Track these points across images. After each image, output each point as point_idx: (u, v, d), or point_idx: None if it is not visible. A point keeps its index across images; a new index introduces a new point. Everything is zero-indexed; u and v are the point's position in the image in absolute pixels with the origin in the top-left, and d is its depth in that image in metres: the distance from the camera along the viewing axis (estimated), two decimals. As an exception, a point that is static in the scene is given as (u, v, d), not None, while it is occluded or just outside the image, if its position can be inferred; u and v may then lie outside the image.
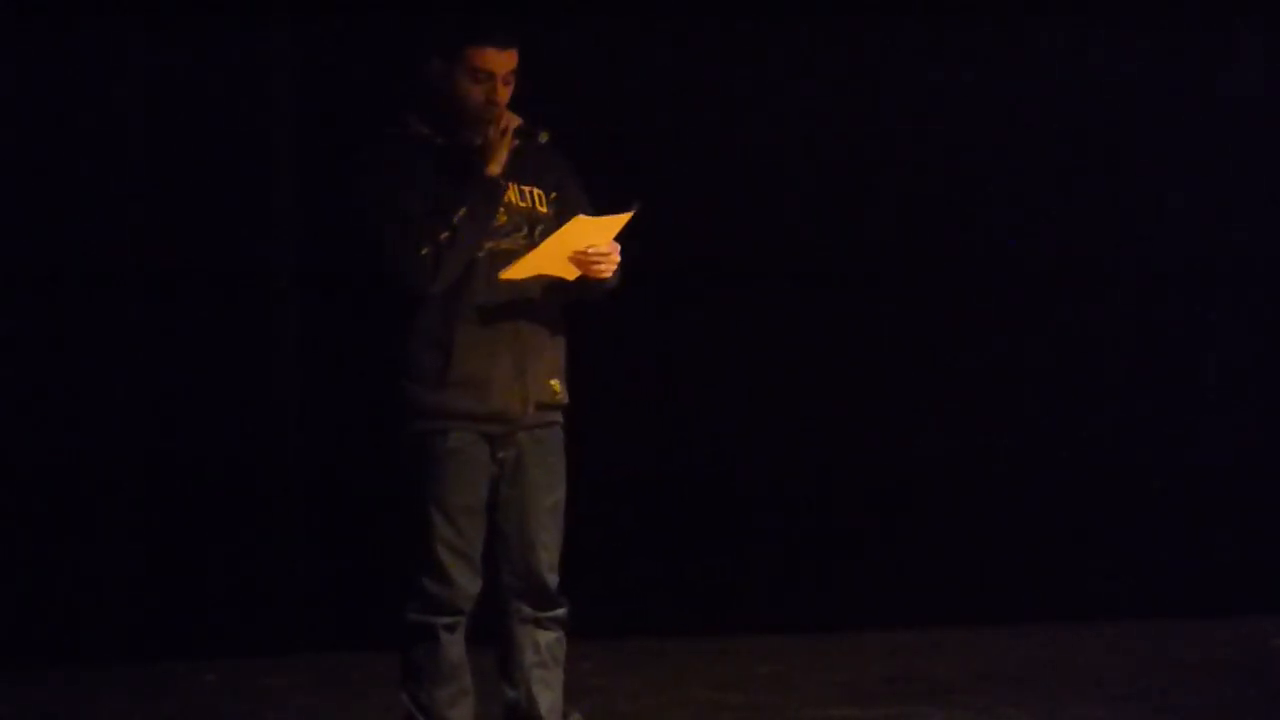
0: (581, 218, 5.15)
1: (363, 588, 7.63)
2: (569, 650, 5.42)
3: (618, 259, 5.20)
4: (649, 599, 7.74)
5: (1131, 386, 8.23)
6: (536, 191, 5.28)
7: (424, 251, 5.07)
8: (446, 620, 5.24)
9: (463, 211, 5.09)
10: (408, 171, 5.16)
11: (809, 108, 7.97)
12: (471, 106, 5.17)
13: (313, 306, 7.66)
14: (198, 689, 7.19)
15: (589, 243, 5.14)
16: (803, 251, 7.90)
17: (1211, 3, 8.14)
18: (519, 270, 5.13)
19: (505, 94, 5.19)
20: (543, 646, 5.35)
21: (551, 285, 5.25)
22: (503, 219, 5.21)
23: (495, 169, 5.14)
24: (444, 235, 5.07)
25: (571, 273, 5.19)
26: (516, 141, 5.17)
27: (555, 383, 5.30)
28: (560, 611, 5.38)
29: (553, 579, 5.36)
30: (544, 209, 5.28)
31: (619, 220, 5.15)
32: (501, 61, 5.17)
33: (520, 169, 5.23)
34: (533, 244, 5.20)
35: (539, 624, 5.35)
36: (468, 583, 5.24)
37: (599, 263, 5.17)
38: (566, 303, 5.31)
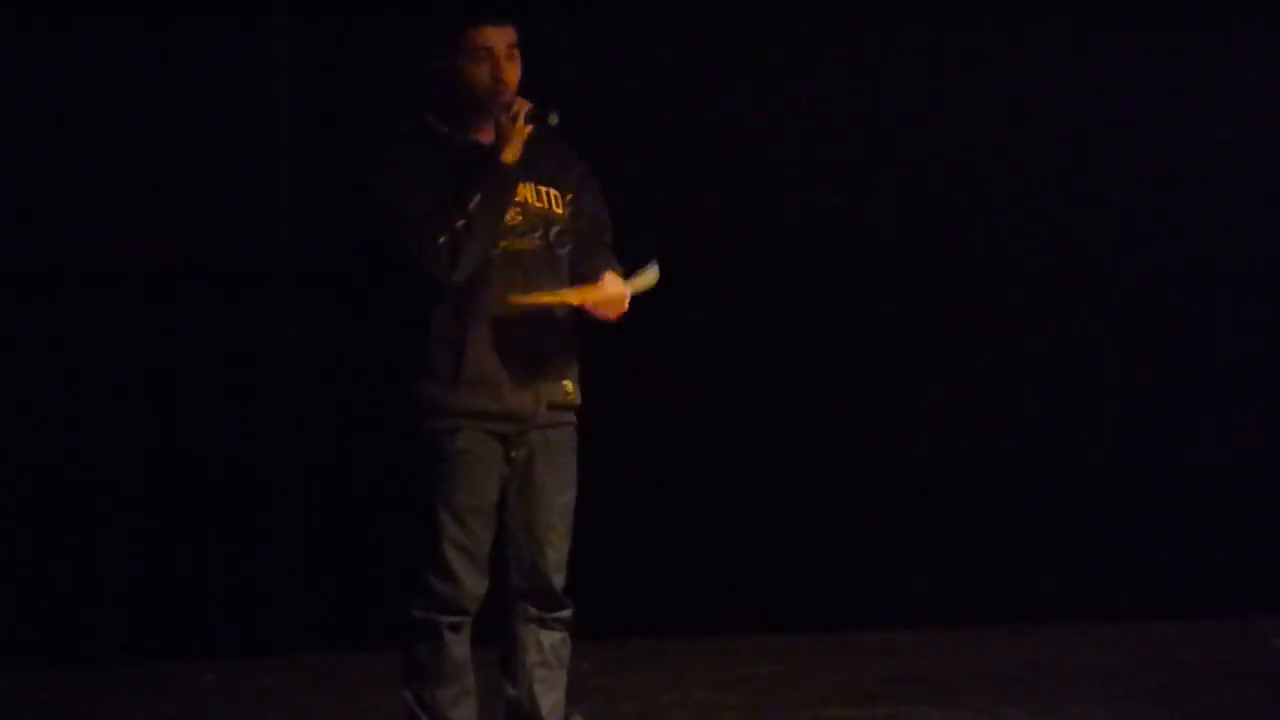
0: (610, 278, 5.18)
1: (363, 588, 7.63)
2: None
3: (626, 306, 5.23)
4: (649, 599, 7.74)
5: (1131, 386, 8.23)
6: (553, 192, 5.27)
7: (441, 240, 5.06)
8: (451, 620, 5.23)
9: (477, 198, 5.09)
10: (424, 166, 5.15)
11: (809, 108, 7.97)
12: (479, 88, 5.16)
13: (313, 306, 7.66)
14: (198, 689, 7.19)
15: (608, 295, 5.17)
16: (803, 251, 7.90)
17: (1211, 3, 8.14)
18: (532, 300, 5.14)
19: (512, 73, 5.17)
20: (546, 647, 5.35)
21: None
22: (518, 218, 5.20)
23: (509, 155, 5.14)
24: (460, 223, 5.06)
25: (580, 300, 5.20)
26: (530, 127, 5.16)
27: (568, 383, 5.30)
28: (565, 613, 5.38)
29: (559, 579, 5.35)
30: (560, 210, 5.27)
31: (646, 281, 5.18)
32: (499, 36, 5.16)
33: (537, 169, 5.23)
34: (547, 245, 5.21)
35: (543, 624, 5.35)
36: (474, 583, 5.23)
37: (610, 311, 5.20)
38: None
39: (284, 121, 7.63)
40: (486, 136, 5.18)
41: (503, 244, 5.17)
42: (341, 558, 7.68)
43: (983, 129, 8.10)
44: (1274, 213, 8.25)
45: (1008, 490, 8.07)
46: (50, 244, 7.42)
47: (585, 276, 5.24)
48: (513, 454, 5.23)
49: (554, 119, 5.15)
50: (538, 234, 5.22)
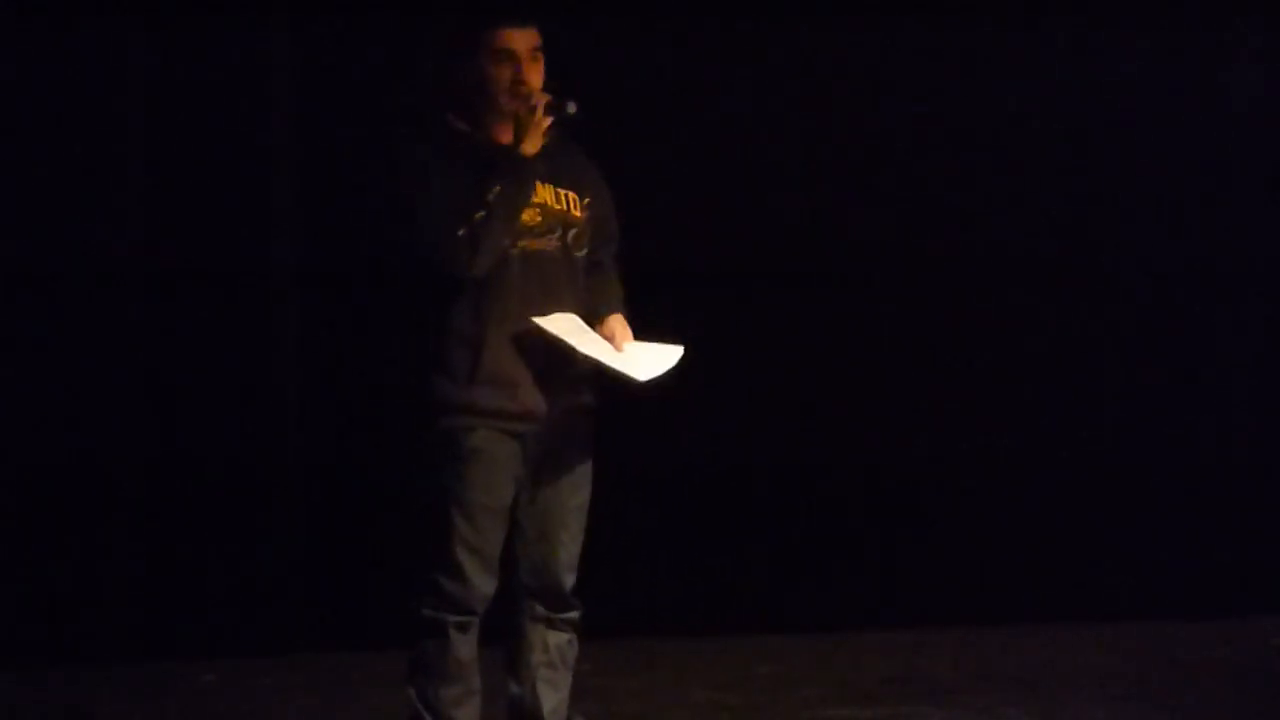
0: (620, 330, 5.28)
1: (363, 588, 7.64)
2: (572, 651, 5.43)
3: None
4: (649, 599, 7.75)
5: (1131, 386, 8.24)
6: (571, 195, 5.29)
7: (461, 233, 5.06)
8: (459, 619, 5.23)
9: (496, 189, 5.09)
10: (444, 165, 5.16)
11: (809, 108, 7.97)
12: (501, 90, 5.17)
13: (313, 306, 7.66)
14: (198, 689, 7.19)
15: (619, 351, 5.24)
16: (803, 251, 7.90)
17: (1211, 3, 8.14)
18: (552, 336, 5.15)
19: (534, 74, 5.19)
20: (552, 647, 5.36)
21: (578, 294, 5.28)
22: (537, 219, 5.21)
23: (528, 148, 5.15)
24: (479, 215, 5.07)
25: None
26: (549, 119, 5.17)
27: (584, 384, 5.31)
28: (573, 614, 5.38)
29: (569, 579, 5.36)
30: (578, 213, 5.29)
31: (669, 357, 5.26)
32: (522, 39, 5.17)
33: (556, 171, 5.25)
34: (565, 247, 5.23)
35: (550, 624, 5.36)
36: (483, 583, 5.23)
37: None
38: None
39: (284, 121, 7.62)
40: (506, 137, 5.19)
41: (521, 244, 5.18)
42: (341, 558, 7.68)
43: (983, 129, 8.10)
44: (1274, 213, 8.25)
45: (1008, 490, 8.07)
46: (50, 244, 7.41)
47: (594, 311, 5.29)
48: (528, 453, 5.23)
49: (572, 108, 5.17)
50: (556, 235, 5.24)
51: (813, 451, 7.91)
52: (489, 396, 5.17)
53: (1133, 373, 8.23)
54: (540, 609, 5.35)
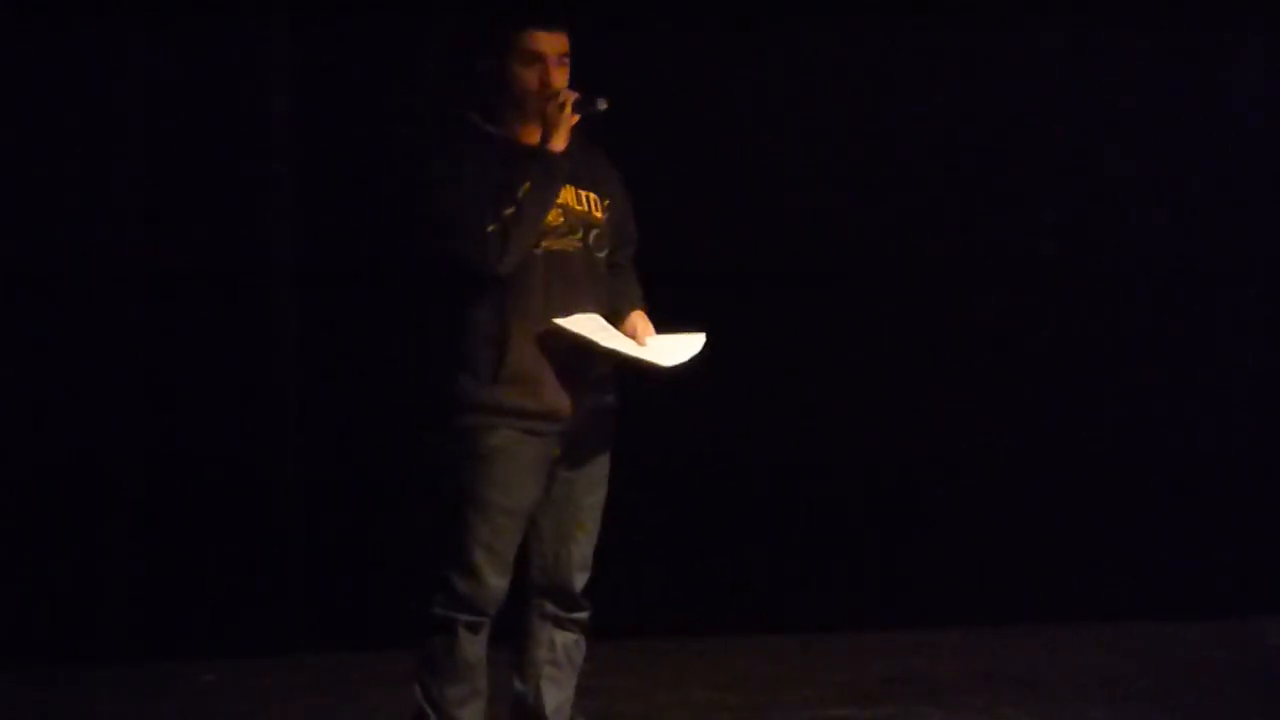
0: (641, 325, 5.30)
1: (363, 588, 7.64)
2: (574, 653, 5.43)
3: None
4: (649, 599, 7.74)
5: (1131, 386, 8.23)
6: (592, 196, 5.31)
7: (491, 229, 5.07)
8: (469, 619, 5.23)
9: (525, 186, 5.11)
10: (472, 163, 5.17)
11: (809, 108, 7.97)
12: (527, 92, 5.19)
13: (313, 306, 7.66)
14: (198, 689, 7.19)
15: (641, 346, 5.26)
16: (803, 251, 7.90)
17: (1211, 3, 8.14)
18: (574, 334, 5.16)
19: (561, 77, 5.20)
20: (559, 646, 5.37)
21: (600, 294, 5.31)
22: (560, 219, 5.23)
23: (557, 144, 5.16)
24: (508, 211, 5.09)
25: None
26: (577, 118, 5.17)
27: (607, 384, 5.32)
28: (582, 615, 5.39)
29: (581, 579, 5.37)
30: (599, 214, 5.31)
31: (692, 344, 5.27)
32: (551, 43, 5.19)
33: (578, 172, 5.26)
34: (587, 247, 5.26)
35: (558, 623, 5.37)
36: (497, 584, 5.23)
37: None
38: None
39: (284, 121, 7.62)
40: (530, 136, 5.21)
41: (544, 244, 5.19)
42: (341, 558, 7.68)
43: (983, 129, 8.10)
44: (1274, 213, 8.25)
45: (1008, 490, 8.07)
46: (50, 244, 7.41)
47: (615, 311, 5.32)
48: (549, 453, 5.24)
49: (603, 104, 5.19)
50: (577, 236, 5.26)
51: (813, 451, 7.91)
52: (512, 395, 5.18)
53: (1133, 373, 8.23)
54: (549, 607, 5.36)
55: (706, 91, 7.87)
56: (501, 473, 5.18)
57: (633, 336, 5.28)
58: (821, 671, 7.28)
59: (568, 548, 5.32)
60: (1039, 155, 8.14)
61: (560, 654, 5.37)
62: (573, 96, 5.17)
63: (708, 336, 5.36)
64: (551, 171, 5.15)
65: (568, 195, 5.24)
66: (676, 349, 5.28)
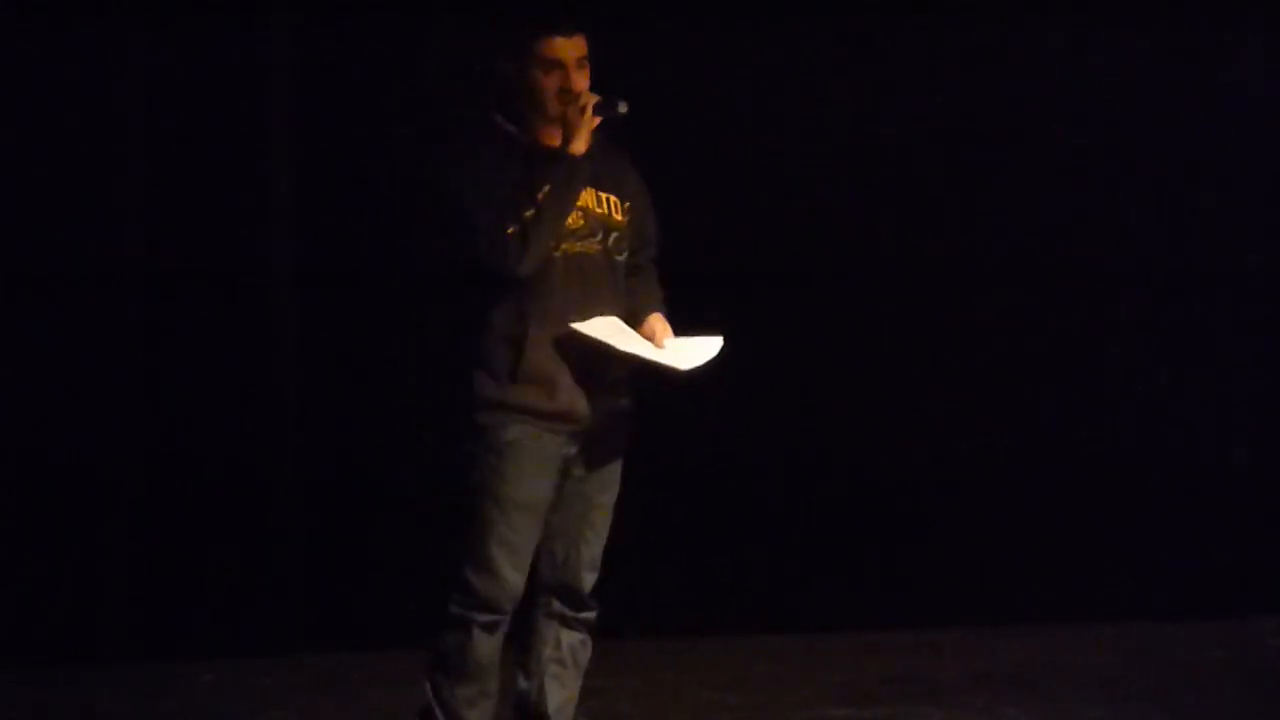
0: (660, 328, 5.31)
1: (363, 588, 7.64)
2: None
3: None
4: (648, 599, 7.74)
5: (1131, 386, 8.23)
6: (612, 199, 5.33)
7: (510, 231, 5.09)
8: (485, 618, 5.23)
9: (546, 189, 5.13)
10: (492, 164, 5.20)
11: (809, 108, 7.96)
12: (547, 97, 5.21)
13: (313, 306, 7.66)
14: (198, 689, 7.19)
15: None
16: (803, 251, 7.90)
17: (1211, 3, 8.14)
18: (590, 328, 5.17)
19: (581, 81, 5.23)
20: (564, 645, 5.38)
21: (620, 297, 5.32)
22: (580, 222, 5.24)
23: (578, 147, 5.17)
24: (528, 214, 5.10)
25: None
26: (598, 120, 5.19)
27: (623, 387, 5.33)
28: (589, 615, 5.40)
29: (590, 579, 5.38)
30: (619, 217, 5.33)
31: (710, 347, 5.28)
32: (570, 48, 5.22)
33: (598, 175, 5.28)
34: (606, 250, 5.27)
35: (565, 622, 5.38)
36: (514, 580, 5.24)
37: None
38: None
39: (284, 121, 7.63)
40: (552, 139, 5.23)
41: (564, 246, 5.20)
42: (341, 558, 7.68)
43: (983, 129, 8.09)
44: (1274, 213, 8.25)
45: (1008, 490, 8.07)
46: (50, 244, 7.41)
47: (634, 313, 5.32)
48: (564, 452, 5.26)
49: (623, 107, 5.21)
50: (597, 238, 5.27)
51: (813, 451, 7.91)
52: (528, 395, 5.20)
53: (1133, 373, 8.23)
54: (557, 606, 5.38)
55: (706, 91, 7.87)
56: (516, 467, 5.20)
57: (651, 339, 5.29)
58: (821, 671, 7.28)
59: (577, 547, 5.34)
60: (1039, 155, 8.14)
61: (565, 653, 5.38)
62: (593, 99, 5.19)
63: (710, 333, 5.37)
64: (572, 174, 5.18)
65: (588, 198, 5.27)
66: (694, 352, 5.29)
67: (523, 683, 5.39)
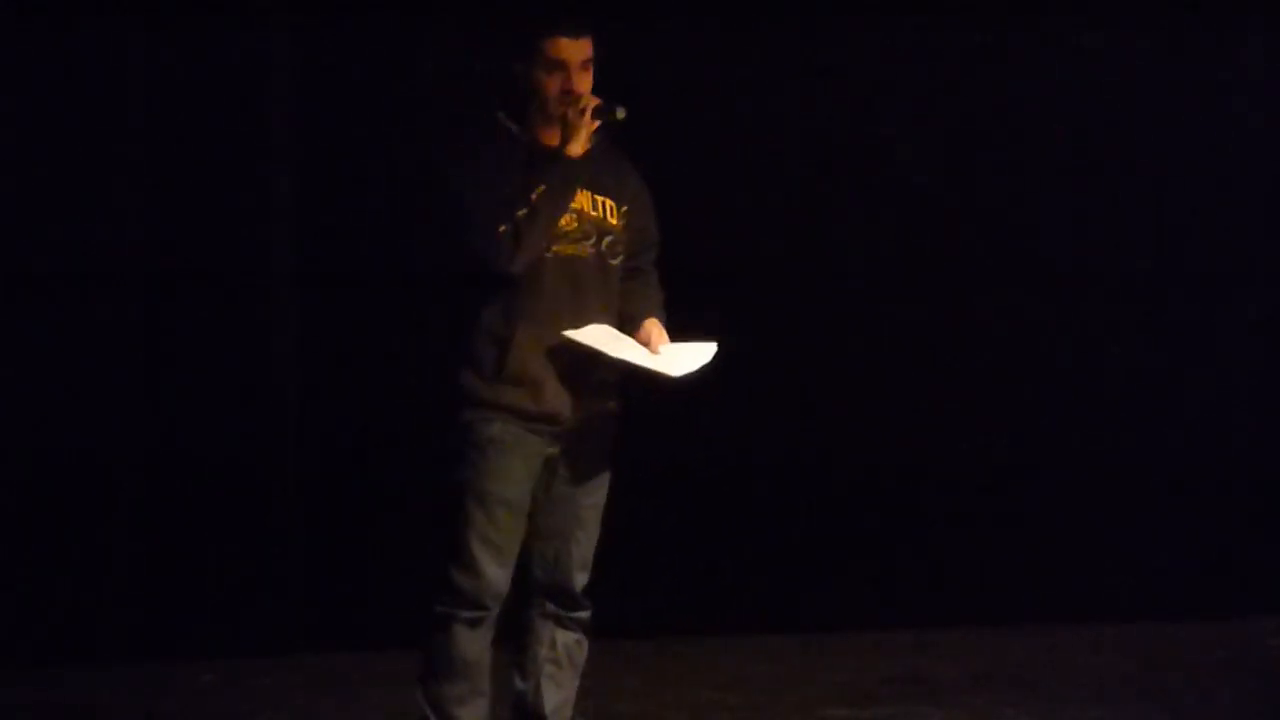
0: (655, 333, 5.30)
1: (363, 588, 7.64)
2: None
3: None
4: (649, 599, 7.74)
5: (1131, 386, 8.23)
6: (609, 203, 5.33)
7: (504, 229, 5.09)
8: (469, 614, 5.24)
9: (541, 189, 5.14)
10: (493, 162, 5.21)
11: (809, 108, 7.96)
12: (549, 97, 5.21)
13: (313, 306, 7.66)
14: (198, 689, 7.19)
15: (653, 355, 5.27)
16: (803, 251, 7.90)
17: (1211, 2, 8.14)
18: (582, 336, 5.17)
19: (584, 82, 5.23)
20: (560, 645, 5.38)
21: (611, 301, 5.32)
22: (573, 224, 5.25)
23: (575, 149, 5.18)
24: (521, 212, 5.11)
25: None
26: (596, 124, 5.19)
27: (609, 389, 5.33)
28: (583, 614, 5.40)
29: (582, 579, 5.38)
30: (614, 221, 5.33)
31: (703, 353, 5.27)
32: (574, 50, 5.22)
33: (596, 179, 5.28)
34: (599, 254, 5.27)
35: (560, 622, 5.38)
36: (496, 576, 5.24)
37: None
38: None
39: (284, 121, 7.63)
40: (552, 140, 5.23)
41: (555, 248, 5.20)
42: (341, 558, 7.68)
43: (983, 130, 8.09)
44: (1274, 213, 8.25)
45: (1008, 490, 8.07)
46: (50, 244, 7.41)
47: (631, 317, 5.31)
48: (549, 452, 5.26)
49: (621, 113, 5.21)
50: (590, 242, 5.28)
51: (813, 451, 7.91)
52: (513, 395, 5.21)
53: (1133, 373, 8.23)
54: (551, 606, 5.38)
55: (706, 91, 7.87)
56: (497, 462, 5.21)
57: (646, 344, 5.29)
58: (821, 671, 7.28)
59: (568, 548, 5.35)
60: (1039, 155, 8.14)
61: (561, 653, 5.38)
62: (594, 102, 5.20)
63: (707, 336, 5.36)
64: (567, 175, 5.18)
65: (583, 200, 5.27)
66: (687, 358, 5.29)
67: (519, 683, 5.40)
